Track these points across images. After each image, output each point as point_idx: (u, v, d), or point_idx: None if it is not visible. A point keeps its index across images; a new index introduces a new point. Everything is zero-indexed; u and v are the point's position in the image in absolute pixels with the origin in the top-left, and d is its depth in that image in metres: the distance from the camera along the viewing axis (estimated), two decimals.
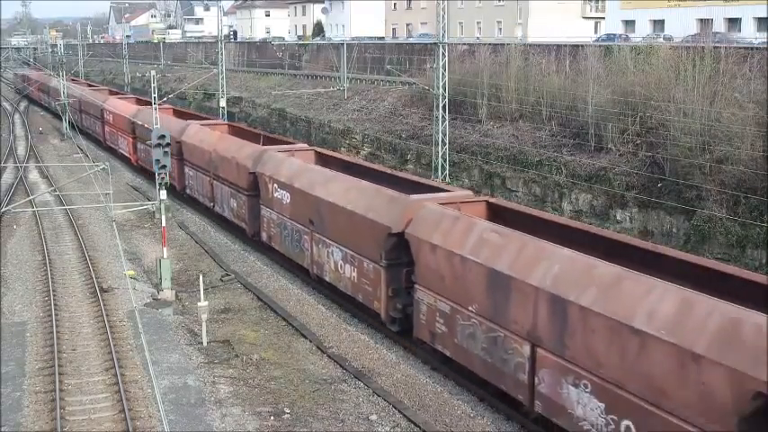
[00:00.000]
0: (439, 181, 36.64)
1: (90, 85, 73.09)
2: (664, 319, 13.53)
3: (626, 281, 14.69)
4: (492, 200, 22.90)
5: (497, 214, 21.16)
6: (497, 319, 17.47)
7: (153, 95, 30.41)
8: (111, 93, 64.10)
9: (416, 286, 20.49)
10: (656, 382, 13.57)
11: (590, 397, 15.06)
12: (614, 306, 14.45)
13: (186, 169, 38.49)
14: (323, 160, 30.36)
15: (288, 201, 27.65)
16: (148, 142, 26.69)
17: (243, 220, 31.97)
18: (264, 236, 30.07)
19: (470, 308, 18.37)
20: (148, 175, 45.05)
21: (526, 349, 16.68)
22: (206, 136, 36.42)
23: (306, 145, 34.67)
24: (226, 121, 45.61)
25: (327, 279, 25.38)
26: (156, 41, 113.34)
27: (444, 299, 19.33)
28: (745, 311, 12.83)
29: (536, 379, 16.48)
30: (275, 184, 28.50)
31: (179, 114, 46.76)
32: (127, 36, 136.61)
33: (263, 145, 32.91)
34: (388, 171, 28.29)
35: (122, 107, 51.40)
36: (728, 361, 12.35)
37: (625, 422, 14.32)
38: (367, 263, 22.56)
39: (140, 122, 44.14)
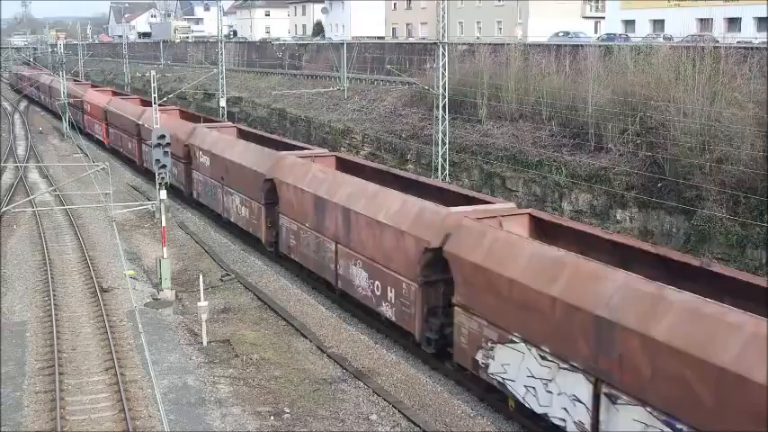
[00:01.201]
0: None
1: (75, 81, 78.58)
2: (392, 214, 21.59)
3: (380, 194, 22.94)
4: (340, 155, 31.94)
5: (344, 166, 28.99)
6: (319, 229, 25.59)
7: (153, 95, 30.29)
8: (93, 86, 70.68)
9: (280, 215, 28.50)
10: (387, 253, 21.59)
11: (361, 271, 23.15)
12: (371, 209, 22.50)
13: (143, 147, 46.06)
14: (243, 134, 38.69)
15: (208, 164, 35.47)
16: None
17: (181, 183, 39.96)
18: (195, 194, 38.20)
19: (306, 224, 26.45)
20: (117, 154, 53.38)
21: (332, 246, 24.77)
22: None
23: (230, 123, 44.99)
24: (178, 107, 52.68)
25: (232, 220, 33.40)
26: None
27: (294, 221, 27.38)
28: (429, 204, 21.06)
29: (338, 266, 24.58)
30: (200, 152, 36.35)
31: (144, 103, 51.89)
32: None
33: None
34: (285, 140, 36.52)
35: (98, 98, 59.15)
36: (414, 232, 20.35)
37: (377, 282, 22.32)
38: (254, 204, 30.57)
39: (112, 109, 52.11)
